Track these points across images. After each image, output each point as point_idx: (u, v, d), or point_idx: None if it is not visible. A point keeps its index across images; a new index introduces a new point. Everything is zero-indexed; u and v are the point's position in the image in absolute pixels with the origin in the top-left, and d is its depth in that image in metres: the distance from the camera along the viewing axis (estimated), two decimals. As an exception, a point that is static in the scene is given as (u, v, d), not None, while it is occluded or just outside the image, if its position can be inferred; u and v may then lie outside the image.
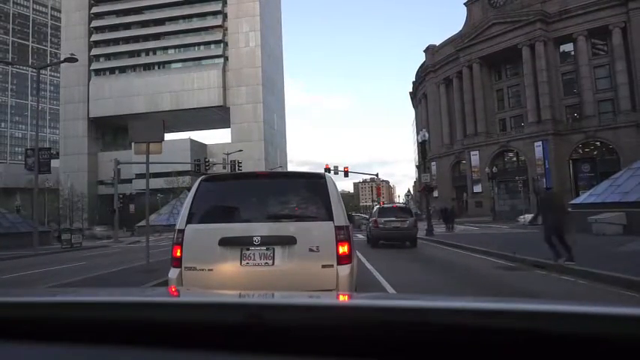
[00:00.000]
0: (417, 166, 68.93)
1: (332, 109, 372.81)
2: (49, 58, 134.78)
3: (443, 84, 53.41)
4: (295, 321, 0.71)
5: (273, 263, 3.56)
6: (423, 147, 22.52)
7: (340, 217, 3.71)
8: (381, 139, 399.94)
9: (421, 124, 63.59)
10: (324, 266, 3.52)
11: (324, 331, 0.67)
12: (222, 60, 76.73)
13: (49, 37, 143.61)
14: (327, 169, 32.10)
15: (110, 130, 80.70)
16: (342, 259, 3.55)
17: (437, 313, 0.69)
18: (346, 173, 33.13)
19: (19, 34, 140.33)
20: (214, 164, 33.42)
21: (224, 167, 30.42)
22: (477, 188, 45.14)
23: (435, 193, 55.14)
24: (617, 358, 0.57)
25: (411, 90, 69.41)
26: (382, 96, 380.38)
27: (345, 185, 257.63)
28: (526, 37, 42.09)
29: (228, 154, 40.53)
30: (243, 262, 3.57)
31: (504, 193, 41.76)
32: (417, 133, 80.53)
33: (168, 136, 78.36)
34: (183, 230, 3.71)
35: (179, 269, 3.63)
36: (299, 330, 0.69)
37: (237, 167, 30.14)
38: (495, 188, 39.12)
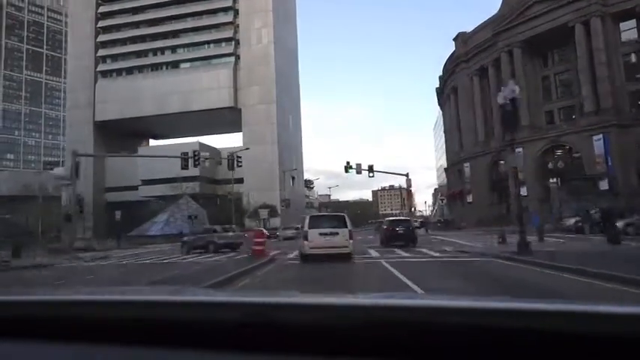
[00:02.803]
0: (446, 169, 62.82)
1: (344, 118, 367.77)
2: (63, 65, 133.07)
3: (477, 75, 47.39)
4: (295, 320, 0.70)
5: (334, 239, 12.81)
6: (513, 108, 12.73)
7: (349, 226, 13.34)
8: (395, 148, 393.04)
9: (450, 122, 57.54)
10: (346, 240, 12.84)
11: (325, 330, 0.67)
12: (232, 59, 72.17)
13: (63, 45, 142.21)
14: (348, 167, 26.62)
15: (117, 135, 76.53)
16: (350, 238, 13.00)
17: (439, 312, 0.69)
18: (371, 169, 27.47)
19: (34, 42, 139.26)
20: (206, 159, 28.21)
21: (219, 163, 25.11)
22: (523, 190, 38.81)
23: (469, 198, 48.98)
24: (616, 358, 0.56)
25: (438, 85, 63.49)
26: (397, 104, 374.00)
27: (363, 194, 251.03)
28: (578, 14, 35.99)
29: (233, 154, 35.24)
30: (327, 238, 12.72)
31: (565, 195, 35.41)
32: (445, 133, 74.42)
33: (175, 140, 74.06)
34: (308, 231, 12.91)
35: (307, 243, 12.77)
36: (299, 329, 0.68)
37: (235, 163, 24.93)
38: (555, 190, 32.87)
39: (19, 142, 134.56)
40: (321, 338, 0.66)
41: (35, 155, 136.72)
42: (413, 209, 45.68)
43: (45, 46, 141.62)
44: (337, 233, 12.54)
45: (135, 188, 69.23)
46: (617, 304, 0.64)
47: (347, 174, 26.37)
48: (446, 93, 58.93)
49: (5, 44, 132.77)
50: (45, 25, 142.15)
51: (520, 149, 39.71)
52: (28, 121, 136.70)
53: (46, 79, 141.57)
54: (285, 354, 0.66)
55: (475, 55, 47.35)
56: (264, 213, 42.85)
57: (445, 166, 71.00)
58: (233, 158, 25.75)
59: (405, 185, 33.14)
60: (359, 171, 27.28)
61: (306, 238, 12.56)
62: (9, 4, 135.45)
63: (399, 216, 30.51)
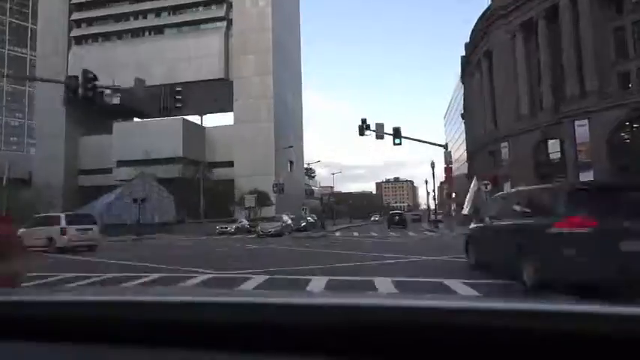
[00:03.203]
0: (471, 153, 53.60)
1: (338, 109, 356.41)
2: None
3: (520, 31, 37.96)
4: (295, 320, 0.70)
5: None
6: None
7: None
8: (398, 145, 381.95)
9: (478, 97, 48.08)
10: None
11: (322, 331, 0.66)
12: (224, 24, 62.76)
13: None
14: (364, 127, 17.56)
15: (94, 110, 67.10)
16: None
17: (429, 313, 0.68)
18: (397, 133, 18.39)
19: (17, 15, 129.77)
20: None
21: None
22: (587, 175, 29.58)
23: (506, 186, 39.77)
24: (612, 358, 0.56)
25: (463, 54, 54.06)
26: (398, 93, 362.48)
27: (366, 187, 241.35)
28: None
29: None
30: None
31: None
32: (465, 113, 64.66)
33: (157, 119, 64.99)
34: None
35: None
36: (298, 330, 0.68)
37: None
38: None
39: (0, 122, 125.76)
40: (317, 339, 0.66)
41: (19, 137, 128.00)
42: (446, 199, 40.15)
43: (31, 20, 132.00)
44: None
45: (109, 171, 60.37)
46: (617, 304, 0.63)
47: (361, 136, 17.24)
48: (474, 62, 49.50)
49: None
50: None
51: (584, 122, 30.59)
52: (11, 100, 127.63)
53: (31, 56, 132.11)
54: (275, 354, 0.65)
55: (518, 8, 37.90)
56: (250, 200, 33.85)
57: (459, 154, 62.26)
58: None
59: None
60: (380, 135, 18.25)
61: None
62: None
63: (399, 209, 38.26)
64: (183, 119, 61.04)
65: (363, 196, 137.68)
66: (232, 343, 0.68)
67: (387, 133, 18.26)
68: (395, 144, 18.36)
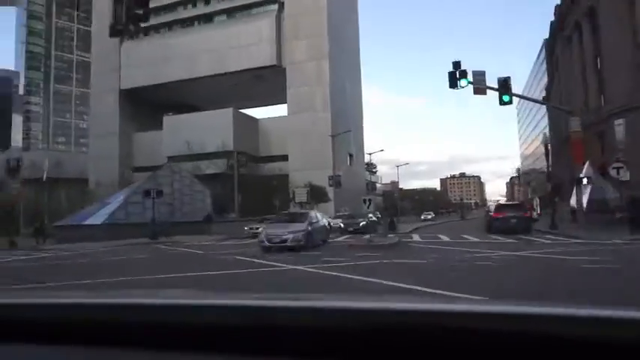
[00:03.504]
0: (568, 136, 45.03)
1: (403, 106, 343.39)
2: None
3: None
4: (295, 323, 0.69)
5: None
6: None
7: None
8: (462, 137, 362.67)
9: (575, 67, 39.61)
10: None
11: (320, 333, 0.66)
12: (275, 6, 58.27)
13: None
14: (459, 75, 11.46)
15: (147, 106, 65.32)
16: None
17: (426, 315, 0.68)
18: (504, 86, 12.10)
19: (84, 22, 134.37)
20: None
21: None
22: None
23: (624, 173, 31.58)
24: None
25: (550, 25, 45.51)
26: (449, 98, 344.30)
27: (428, 184, 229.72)
28: None
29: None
30: None
31: None
32: (548, 93, 55.47)
33: (206, 112, 61.60)
34: None
35: None
36: (298, 331, 0.68)
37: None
38: None
39: (70, 124, 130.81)
40: (315, 341, 0.65)
41: (87, 138, 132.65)
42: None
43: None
44: None
45: (160, 168, 57.86)
46: (620, 308, 0.61)
47: (452, 88, 11.12)
48: (567, 30, 41.06)
49: (55, 24, 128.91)
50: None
51: None
52: (79, 103, 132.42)
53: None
54: (275, 356, 0.65)
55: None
56: (301, 194, 28.48)
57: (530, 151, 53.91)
58: None
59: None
60: (481, 88, 12.02)
61: None
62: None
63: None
64: (234, 109, 57.17)
65: (429, 192, 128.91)
66: (231, 345, 0.67)
67: (490, 88, 12.08)
68: (503, 103, 12.04)
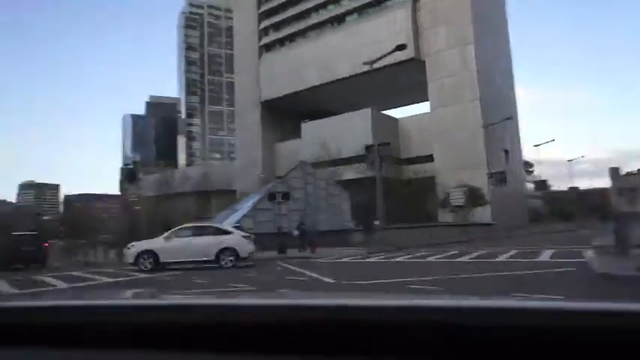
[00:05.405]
0: None
1: (546, 97, 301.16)
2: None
3: None
4: (294, 321, 0.70)
5: None
6: None
7: None
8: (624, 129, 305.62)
9: None
10: None
11: (321, 332, 0.66)
12: (409, -5, 53.87)
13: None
14: None
15: (286, 116, 66.30)
16: None
17: (434, 311, 0.68)
18: None
19: (229, 46, 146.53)
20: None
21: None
22: None
23: None
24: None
25: None
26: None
27: (593, 184, 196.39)
28: None
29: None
30: None
31: None
32: None
33: (342, 114, 59.55)
34: None
35: None
36: (298, 331, 0.68)
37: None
38: None
39: (224, 141, 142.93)
40: (313, 340, 0.66)
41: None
42: None
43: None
44: None
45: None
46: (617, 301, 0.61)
47: None
48: None
49: (207, 52, 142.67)
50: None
51: None
52: (230, 121, 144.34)
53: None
54: (275, 355, 0.65)
55: None
56: (457, 196, 23.76)
57: None
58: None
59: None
60: None
61: None
62: (210, 14, 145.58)
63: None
64: (372, 109, 54.12)
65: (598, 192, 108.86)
66: (230, 344, 0.67)
67: None
68: None
